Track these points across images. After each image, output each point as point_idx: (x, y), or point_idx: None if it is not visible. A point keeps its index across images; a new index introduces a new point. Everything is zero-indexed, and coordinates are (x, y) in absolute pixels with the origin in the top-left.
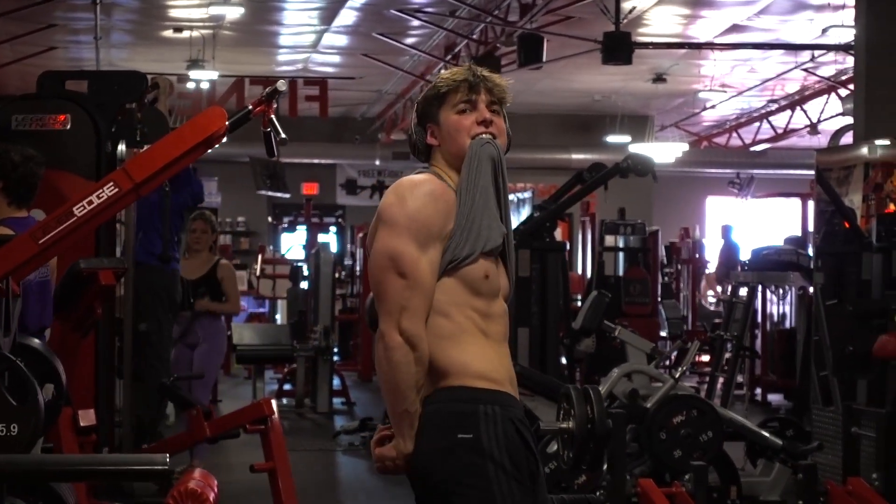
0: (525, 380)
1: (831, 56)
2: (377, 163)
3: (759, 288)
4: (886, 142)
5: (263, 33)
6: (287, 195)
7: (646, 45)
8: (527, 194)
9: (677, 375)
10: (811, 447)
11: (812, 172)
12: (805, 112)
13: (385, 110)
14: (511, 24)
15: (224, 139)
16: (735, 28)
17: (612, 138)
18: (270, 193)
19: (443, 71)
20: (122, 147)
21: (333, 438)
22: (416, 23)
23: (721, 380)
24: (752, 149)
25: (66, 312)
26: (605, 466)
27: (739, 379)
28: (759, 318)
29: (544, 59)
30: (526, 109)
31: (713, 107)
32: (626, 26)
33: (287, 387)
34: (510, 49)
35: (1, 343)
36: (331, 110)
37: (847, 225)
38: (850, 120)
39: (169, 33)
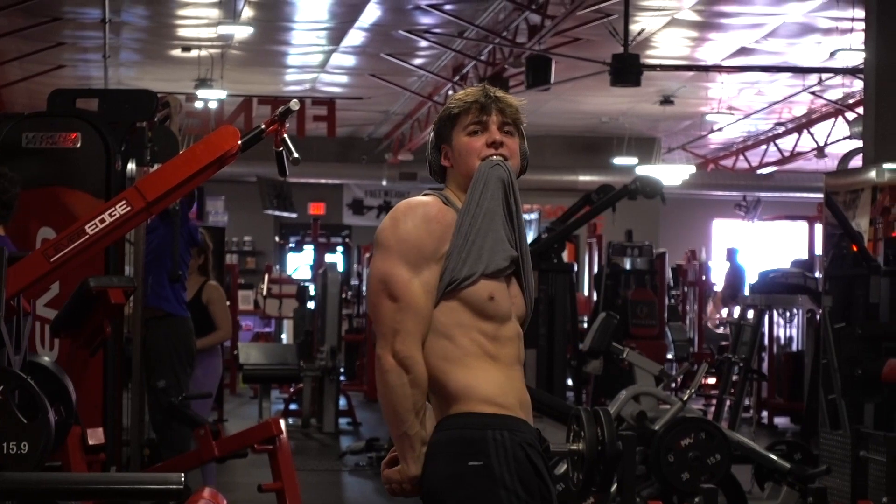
0: (532, 401)
1: (839, 79)
2: (384, 183)
3: (767, 311)
4: (895, 166)
5: (272, 53)
6: (294, 215)
7: (654, 68)
8: (533, 215)
9: (685, 398)
10: (819, 471)
11: (819, 195)
12: (812, 135)
13: (392, 131)
14: (519, 46)
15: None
16: (743, 51)
17: (619, 160)
18: (277, 213)
19: (457, 91)
20: (131, 166)
21: (339, 459)
22: (424, 43)
23: (728, 402)
24: (758, 171)
25: (75, 331)
26: (613, 488)
27: (747, 402)
28: (767, 341)
29: (552, 80)
30: (533, 131)
31: (720, 129)
32: (635, 48)
33: (293, 406)
34: (518, 70)
35: (11, 361)
36: (338, 130)
37: (855, 248)
38: (856, 143)
39: (177, 52)
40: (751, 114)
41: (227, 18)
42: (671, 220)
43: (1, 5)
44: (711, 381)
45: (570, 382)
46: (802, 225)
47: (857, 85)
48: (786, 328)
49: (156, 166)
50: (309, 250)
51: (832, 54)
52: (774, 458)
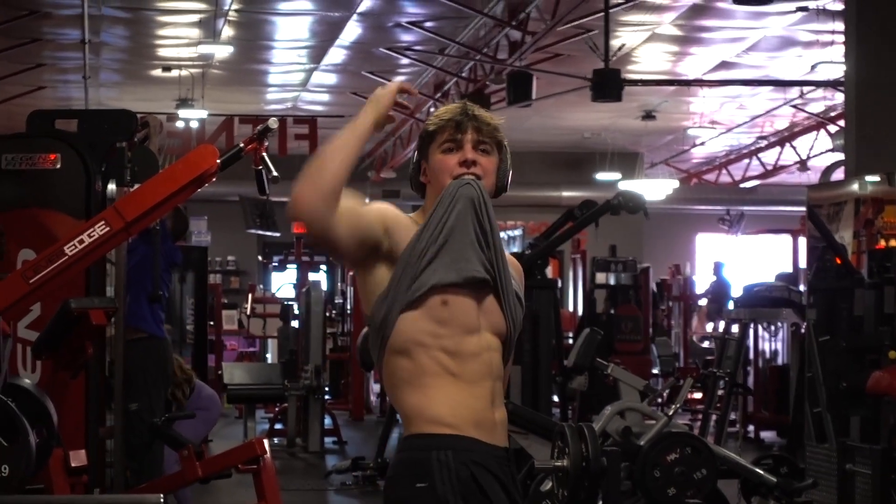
0: (517, 418)
1: (820, 92)
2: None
3: (752, 325)
4: (877, 178)
5: (252, 72)
6: (277, 234)
7: (635, 83)
8: (517, 232)
9: (671, 413)
10: (806, 484)
11: (802, 209)
12: (794, 148)
13: (375, 149)
14: (500, 62)
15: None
16: (724, 65)
17: (601, 175)
18: (260, 232)
19: (437, 108)
20: (112, 186)
21: (325, 478)
22: (405, 61)
23: (714, 417)
24: (741, 185)
25: (57, 352)
26: None
27: (732, 416)
28: (752, 355)
29: (534, 96)
30: (515, 147)
31: (703, 144)
32: (616, 63)
33: (278, 426)
34: (500, 87)
35: None
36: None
37: (839, 261)
38: (839, 156)
39: (158, 72)
40: (733, 128)
41: (207, 38)
42: (655, 235)
43: None
44: (697, 395)
45: (555, 399)
46: (786, 238)
47: (839, 98)
48: (771, 342)
49: (136, 187)
50: (292, 269)
51: (813, 67)
52: (761, 472)
